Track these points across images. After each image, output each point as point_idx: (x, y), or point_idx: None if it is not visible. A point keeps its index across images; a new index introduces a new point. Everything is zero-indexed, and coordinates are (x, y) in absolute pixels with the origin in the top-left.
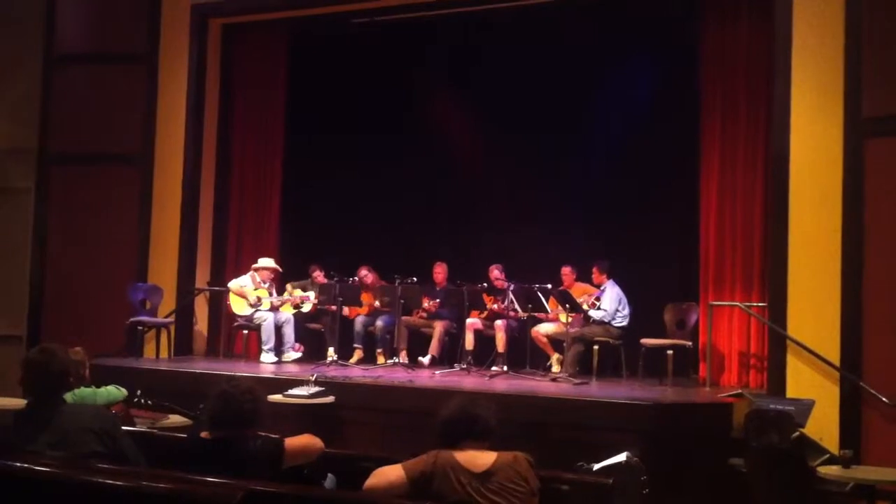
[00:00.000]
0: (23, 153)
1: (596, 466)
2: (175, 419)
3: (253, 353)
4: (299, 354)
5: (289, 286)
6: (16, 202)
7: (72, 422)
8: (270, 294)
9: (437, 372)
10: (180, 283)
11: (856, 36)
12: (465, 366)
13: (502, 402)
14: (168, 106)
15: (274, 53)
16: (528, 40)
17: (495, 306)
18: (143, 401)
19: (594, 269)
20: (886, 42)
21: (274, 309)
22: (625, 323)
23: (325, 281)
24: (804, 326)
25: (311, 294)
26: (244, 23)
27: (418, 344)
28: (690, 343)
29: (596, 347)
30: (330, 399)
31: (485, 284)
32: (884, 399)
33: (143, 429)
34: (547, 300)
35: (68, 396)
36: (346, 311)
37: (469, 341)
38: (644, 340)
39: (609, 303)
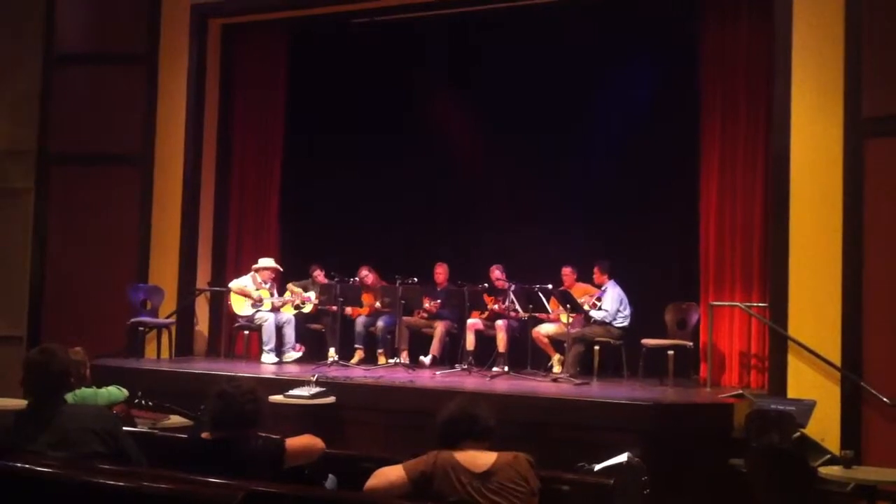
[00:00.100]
0: (23, 153)
1: (597, 467)
2: (176, 420)
3: (254, 354)
4: (300, 355)
5: (290, 286)
6: (16, 202)
7: (73, 422)
8: (271, 294)
9: (438, 372)
10: (181, 283)
11: (856, 36)
12: (465, 366)
13: (503, 402)
14: (168, 106)
15: (274, 53)
16: (528, 40)
17: (496, 306)
18: (143, 401)
19: (595, 270)
20: (886, 42)
21: (275, 309)
22: (626, 323)
23: (326, 281)
24: (805, 326)
25: (312, 294)
26: (244, 23)
27: (419, 344)
28: (691, 343)
29: (597, 348)
30: (331, 399)
31: (486, 285)
32: (885, 399)
33: (144, 429)
34: (548, 300)
35: (69, 397)
36: (348, 310)
37: (470, 342)
38: (645, 341)
39: (610, 303)
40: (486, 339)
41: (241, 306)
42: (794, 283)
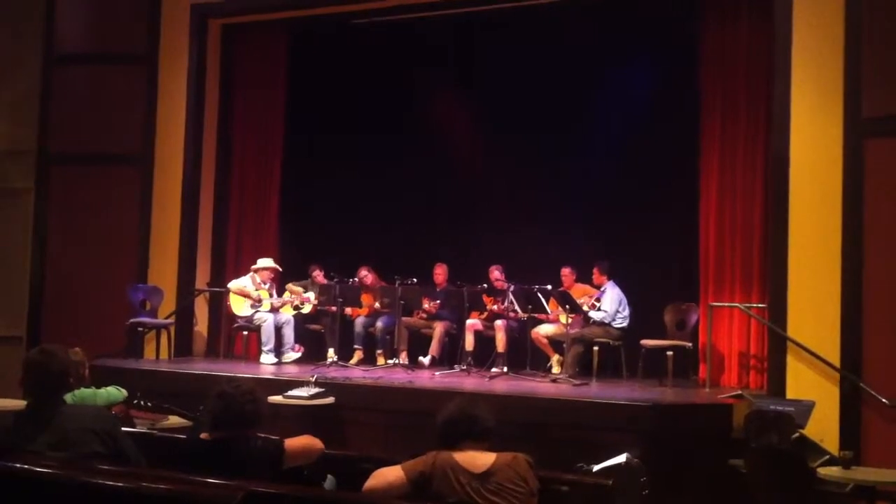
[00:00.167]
0: (23, 153)
1: (596, 467)
2: (175, 420)
3: (253, 354)
4: (299, 355)
5: (289, 287)
6: (16, 202)
7: (72, 422)
8: (270, 295)
9: (437, 373)
10: (180, 283)
11: (856, 36)
12: (465, 367)
13: (502, 402)
14: (168, 106)
15: (274, 53)
16: (528, 40)
17: (495, 307)
18: (142, 402)
19: (595, 270)
20: (886, 42)
21: (274, 310)
22: (625, 324)
23: (325, 281)
24: (804, 327)
25: (311, 295)
26: (244, 23)
27: (418, 345)
28: (690, 344)
29: (596, 348)
30: (330, 400)
31: (485, 285)
32: (884, 400)
33: (143, 430)
34: (547, 301)
35: (68, 397)
36: (347, 311)
37: (469, 342)
38: (644, 341)
39: (609, 304)
40: (485, 340)
41: (240, 307)
42: (793, 283)
